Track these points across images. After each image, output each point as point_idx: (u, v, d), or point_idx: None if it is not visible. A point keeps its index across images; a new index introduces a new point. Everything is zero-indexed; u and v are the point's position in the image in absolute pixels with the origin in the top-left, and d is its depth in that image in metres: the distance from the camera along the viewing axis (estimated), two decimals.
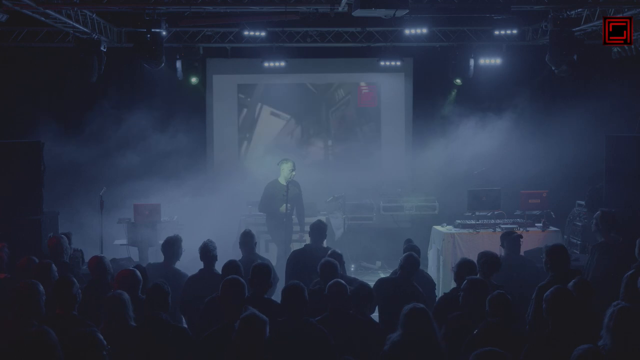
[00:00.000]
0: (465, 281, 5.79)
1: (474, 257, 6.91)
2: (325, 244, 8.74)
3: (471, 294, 5.62)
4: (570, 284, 5.70)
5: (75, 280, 5.66)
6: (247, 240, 7.86)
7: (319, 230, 8.16)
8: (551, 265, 6.57)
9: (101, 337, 4.34)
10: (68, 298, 5.48)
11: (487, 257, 6.78)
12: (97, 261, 6.95)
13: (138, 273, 6.22)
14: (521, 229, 10.69)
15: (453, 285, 6.75)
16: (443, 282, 10.36)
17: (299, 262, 7.80)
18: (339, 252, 7.25)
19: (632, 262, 6.90)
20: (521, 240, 8.01)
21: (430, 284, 7.38)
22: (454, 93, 13.43)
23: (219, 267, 7.16)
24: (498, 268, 6.79)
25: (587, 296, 5.66)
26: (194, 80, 12.90)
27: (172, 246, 7.55)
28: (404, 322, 4.92)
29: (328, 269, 6.42)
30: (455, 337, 5.32)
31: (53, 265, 6.71)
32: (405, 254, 6.95)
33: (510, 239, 7.93)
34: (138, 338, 5.17)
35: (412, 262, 6.83)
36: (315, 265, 6.63)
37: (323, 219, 10.58)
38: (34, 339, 4.23)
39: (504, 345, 4.45)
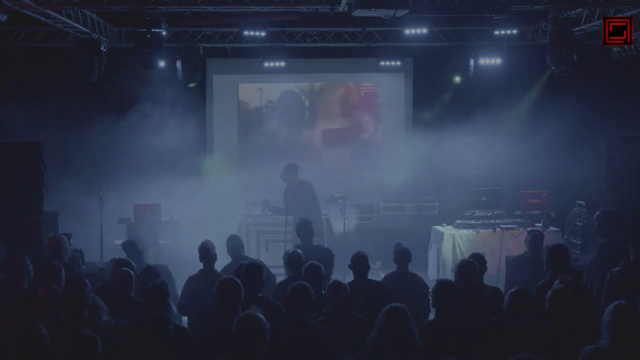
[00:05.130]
0: (436, 283, 5.79)
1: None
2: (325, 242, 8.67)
3: (441, 295, 5.60)
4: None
5: (88, 282, 5.54)
6: (232, 243, 7.74)
7: (305, 229, 8.16)
8: (552, 265, 6.58)
9: (98, 338, 4.33)
10: (80, 300, 5.42)
11: (475, 259, 6.81)
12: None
13: (132, 273, 6.20)
14: (521, 229, 10.71)
15: None
16: None
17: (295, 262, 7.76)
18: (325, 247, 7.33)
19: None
20: (543, 239, 8.12)
21: (421, 285, 7.25)
22: (453, 90, 13.38)
23: (218, 266, 7.17)
24: (485, 269, 6.86)
25: (584, 296, 5.66)
26: (192, 85, 12.90)
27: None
28: (380, 321, 4.95)
29: (313, 272, 6.36)
30: (431, 337, 5.29)
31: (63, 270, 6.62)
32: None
33: (530, 237, 8.09)
34: (138, 338, 5.16)
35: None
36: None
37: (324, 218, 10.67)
38: (25, 334, 4.22)
39: (503, 344, 4.47)
